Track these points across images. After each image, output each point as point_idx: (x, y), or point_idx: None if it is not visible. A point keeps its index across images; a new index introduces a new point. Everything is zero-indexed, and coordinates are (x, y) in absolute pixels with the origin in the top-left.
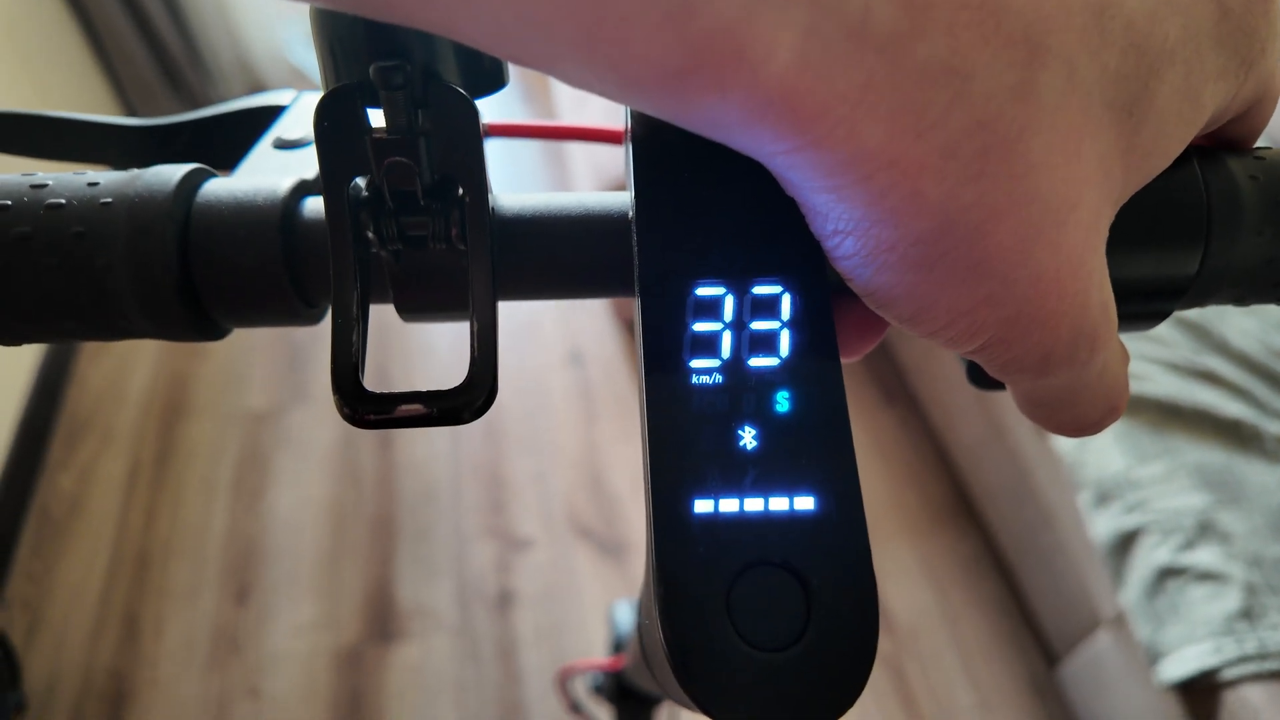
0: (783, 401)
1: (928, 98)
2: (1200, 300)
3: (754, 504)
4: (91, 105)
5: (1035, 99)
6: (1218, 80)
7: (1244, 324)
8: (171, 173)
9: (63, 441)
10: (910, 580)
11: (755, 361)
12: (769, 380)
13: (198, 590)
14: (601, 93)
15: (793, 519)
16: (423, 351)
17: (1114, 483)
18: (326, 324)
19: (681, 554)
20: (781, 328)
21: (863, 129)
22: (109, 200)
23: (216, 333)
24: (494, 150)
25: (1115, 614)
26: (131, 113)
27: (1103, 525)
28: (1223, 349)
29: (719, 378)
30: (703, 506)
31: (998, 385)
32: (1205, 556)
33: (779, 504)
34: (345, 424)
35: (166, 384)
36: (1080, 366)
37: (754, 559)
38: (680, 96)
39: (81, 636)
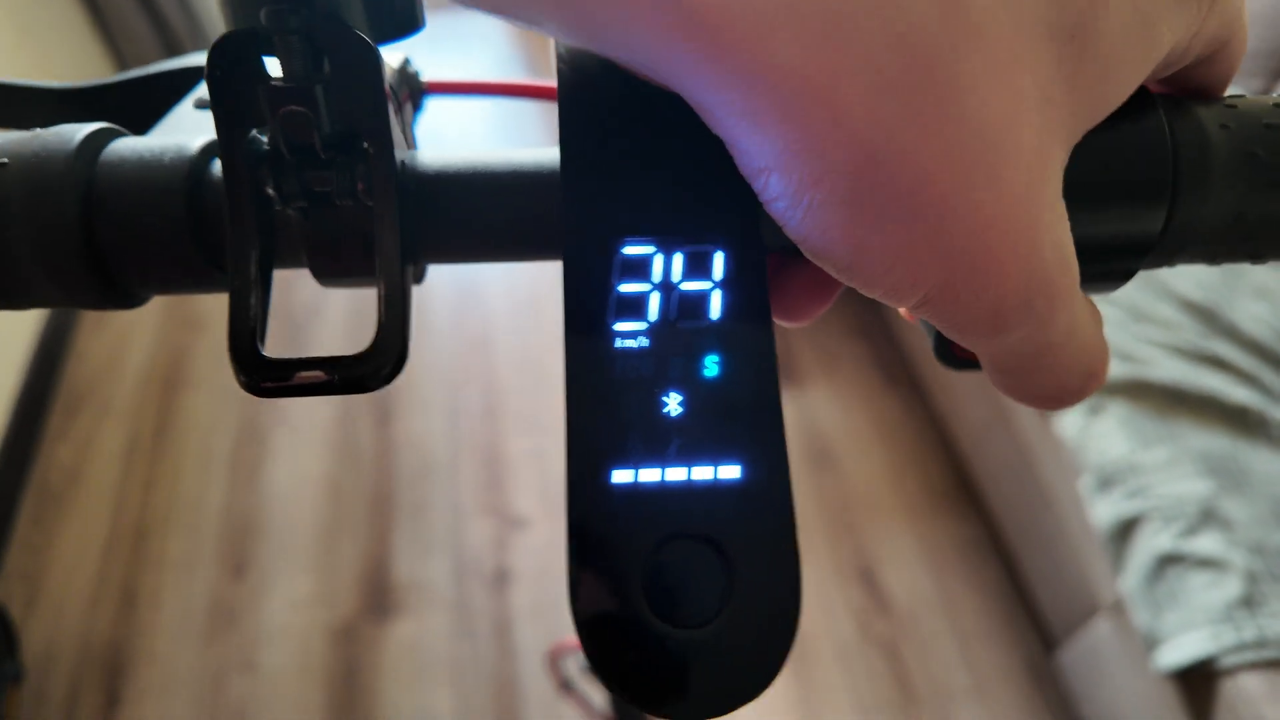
0: (711, 366)
1: (845, 11)
2: (1167, 259)
3: (676, 474)
4: (90, 75)
5: (964, 17)
6: (1175, 9)
7: (1255, 309)
8: (74, 131)
9: (61, 414)
10: (909, 563)
11: (683, 324)
12: (697, 344)
13: (195, 563)
14: (511, 14)
15: (716, 489)
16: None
17: (1116, 468)
18: (320, 294)
19: (596, 527)
20: (713, 288)
21: (775, 44)
22: (4, 160)
23: (129, 300)
24: (495, 116)
25: (1114, 600)
26: None
27: (1104, 511)
28: (1232, 334)
29: (644, 341)
30: (621, 477)
31: (968, 364)
32: (1206, 543)
33: (703, 474)
34: (344, 400)
35: (165, 357)
36: (1040, 322)
37: (673, 531)
38: (588, 11)
39: (79, 607)
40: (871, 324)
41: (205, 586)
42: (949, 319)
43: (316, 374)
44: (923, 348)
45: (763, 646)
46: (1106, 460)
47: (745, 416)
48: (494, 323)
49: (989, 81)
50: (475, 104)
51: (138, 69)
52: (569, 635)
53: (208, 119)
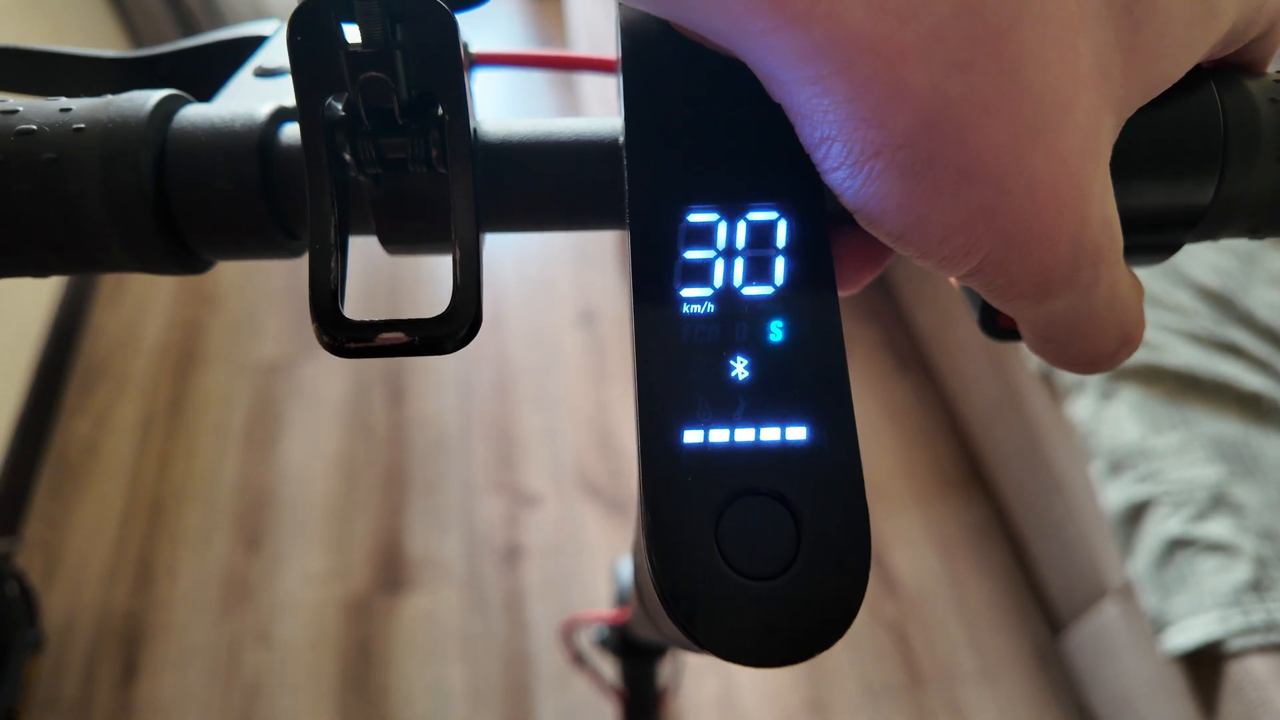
0: (776, 331)
1: None
2: (1213, 232)
3: (745, 434)
4: (103, 45)
5: None
6: None
7: (1271, 297)
8: (146, 97)
9: (78, 387)
10: (918, 545)
11: (748, 290)
12: (762, 309)
13: (210, 537)
14: None
15: (784, 449)
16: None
17: (1128, 452)
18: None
19: (669, 484)
20: (776, 255)
21: (842, 8)
22: (81, 126)
23: (197, 265)
24: (503, 87)
25: (1122, 584)
26: None
27: (1114, 495)
28: (1247, 321)
29: (710, 307)
30: (692, 437)
31: (1011, 335)
32: (1216, 528)
33: (770, 434)
34: (358, 377)
35: (180, 332)
36: (1084, 289)
37: (743, 489)
38: None
39: (97, 578)
40: (883, 308)
41: (220, 560)
42: (997, 287)
43: (397, 335)
44: (936, 333)
45: (834, 597)
46: (1118, 445)
47: (810, 379)
48: (506, 302)
49: (1049, 52)
50: (488, 78)
51: (190, 38)
52: (581, 609)
53: (269, 86)
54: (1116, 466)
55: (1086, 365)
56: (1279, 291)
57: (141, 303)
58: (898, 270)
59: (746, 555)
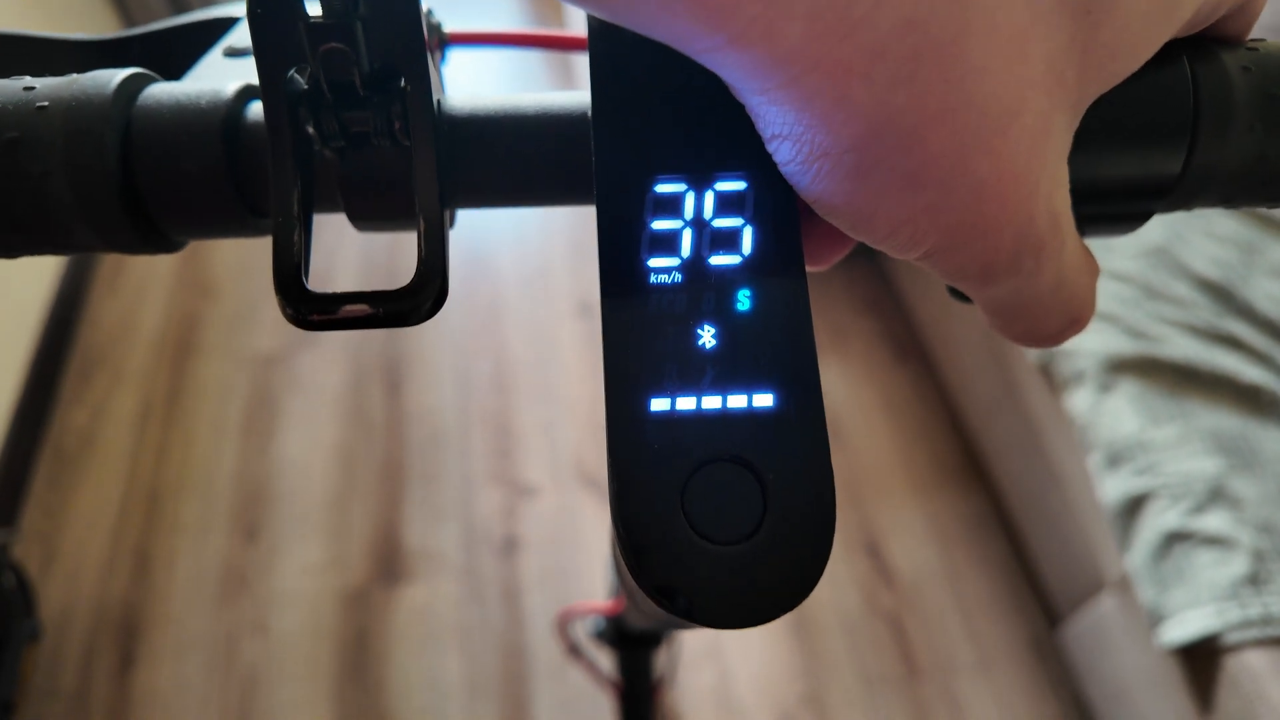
0: (743, 300)
1: None
2: (1186, 201)
3: (711, 402)
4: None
5: (975, 1)
6: None
7: (1271, 289)
8: (110, 75)
9: (75, 378)
10: (915, 537)
11: (716, 260)
12: (729, 279)
13: (208, 528)
14: None
15: (750, 416)
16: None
17: (1126, 445)
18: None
19: (636, 452)
20: (744, 225)
21: (780, 28)
22: (45, 104)
23: (166, 245)
24: (502, 72)
25: (1119, 576)
26: None
27: (1112, 487)
28: (1247, 313)
29: (678, 277)
30: (659, 405)
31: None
32: (1214, 521)
33: (737, 401)
34: (356, 369)
35: (178, 323)
36: (1027, 276)
37: (709, 455)
38: None
39: (95, 569)
40: (882, 300)
41: (218, 551)
42: (944, 271)
43: (361, 307)
44: (935, 325)
45: (799, 560)
46: (1117, 437)
47: (777, 347)
48: (504, 294)
49: (994, 63)
50: (491, 58)
51: (162, 20)
52: (577, 600)
53: (239, 66)
54: (1115, 459)
55: (1031, 340)
56: (1279, 284)
57: (139, 293)
58: (897, 263)
59: (712, 520)
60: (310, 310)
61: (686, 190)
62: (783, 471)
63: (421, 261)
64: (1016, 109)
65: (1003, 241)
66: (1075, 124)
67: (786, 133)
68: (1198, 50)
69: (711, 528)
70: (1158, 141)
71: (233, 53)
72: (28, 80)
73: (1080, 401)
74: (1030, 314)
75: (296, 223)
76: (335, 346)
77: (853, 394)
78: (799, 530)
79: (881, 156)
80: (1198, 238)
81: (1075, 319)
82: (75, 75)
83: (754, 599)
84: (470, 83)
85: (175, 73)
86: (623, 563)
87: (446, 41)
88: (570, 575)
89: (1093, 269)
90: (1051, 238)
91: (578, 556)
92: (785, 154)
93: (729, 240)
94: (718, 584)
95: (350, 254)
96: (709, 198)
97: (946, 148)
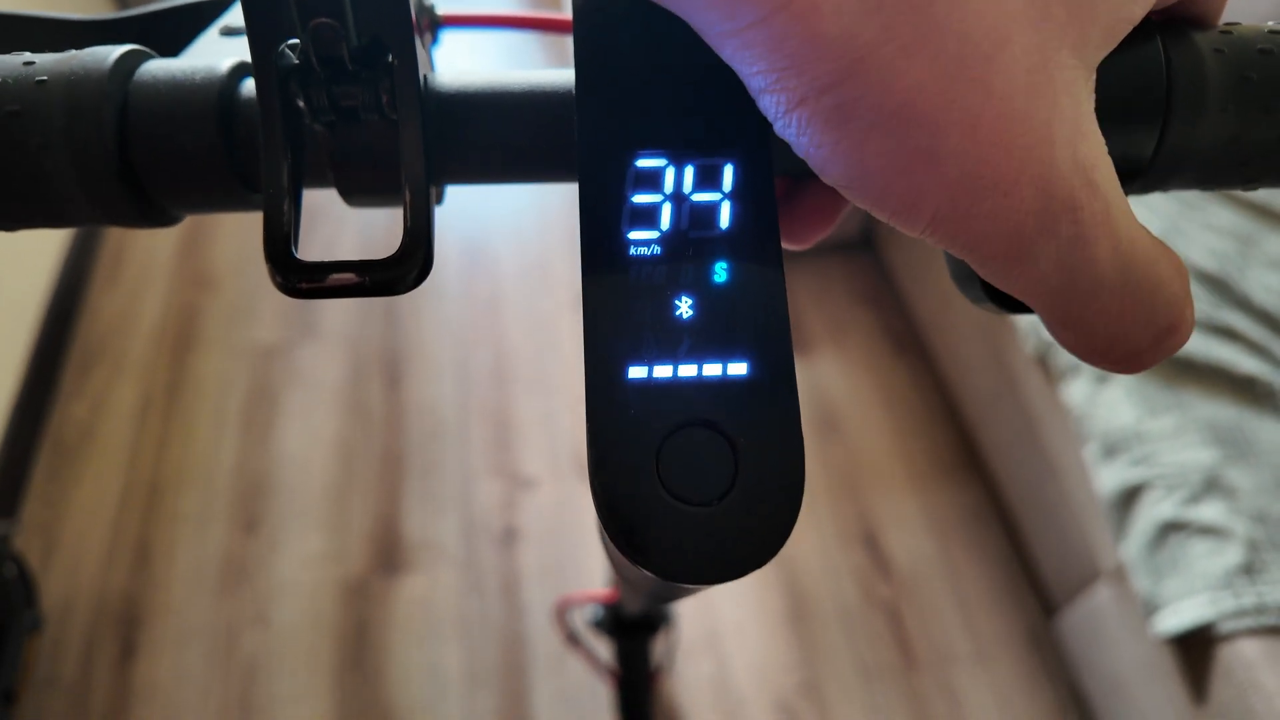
0: (720, 272)
1: None
2: (1160, 183)
3: (687, 370)
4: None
5: None
6: None
7: (1268, 280)
8: (109, 51)
9: (75, 370)
10: (912, 529)
11: (694, 233)
12: (708, 251)
13: (208, 519)
14: None
15: (725, 384)
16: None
17: (1122, 435)
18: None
19: (613, 418)
20: (722, 200)
21: None
22: (44, 79)
23: (163, 218)
24: (495, 50)
25: (1115, 567)
26: None
27: (1108, 478)
28: (1244, 305)
29: (657, 249)
30: (636, 373)
31: (1019, 306)
32: (1209, 512)
33: (712, 370)
34: (355, 361)
35: (177, 315)
36: (1070, 247)
37: (684, 420)
38: None
39: (95, 560)
40: (881, 292)
41: (218, 542)
42: (965, 243)
43: (349, 276)
44: (934, 317)
45: (768, 521)
46: (1113, 428)
47: (752, 318)
48: (503, 285)
49: None
50: (488, 39)
51: (161, 1)
52: (576, 589)
53: (234, 45)
54: (1111, 450)
55: (1117, 357)
56: (1276, 275)
57: (138, 286)
58: (895, 255)
59: (686, 483)
60: (299, 278)
61: (667, 165)
62: (754, 436)
63: (407, 232)
64: (1001, 39)
65: (1020, 196)
66: (1088, 72)
67: (765, 85)
68: (1171, 32)
69: (685, 489)
70: (1131, 123)
71: (229, 31)
72: (27, 55)
73: (1077, 392)
74: (1101, 313)
75: (286, 195)
76: (335, 339)
77: (851, 386)
78: (769, 493)
79: (858, 95)
80: (1195, 229)
81: (1168, 325)
82: (74, 51)
83: (724, 557)
84: (464, 64)
85: (173, 52)
86: (603, 527)
87: (440, 23)
88: (569, 566)
89: (1171, 260)
90: (1087, 196)
91: (577, 548)
92: (770, 110)
93: (707, 214)
94: (690, 542)
95: (349, 250)
96: (689, 173)
97: (924, 79)
